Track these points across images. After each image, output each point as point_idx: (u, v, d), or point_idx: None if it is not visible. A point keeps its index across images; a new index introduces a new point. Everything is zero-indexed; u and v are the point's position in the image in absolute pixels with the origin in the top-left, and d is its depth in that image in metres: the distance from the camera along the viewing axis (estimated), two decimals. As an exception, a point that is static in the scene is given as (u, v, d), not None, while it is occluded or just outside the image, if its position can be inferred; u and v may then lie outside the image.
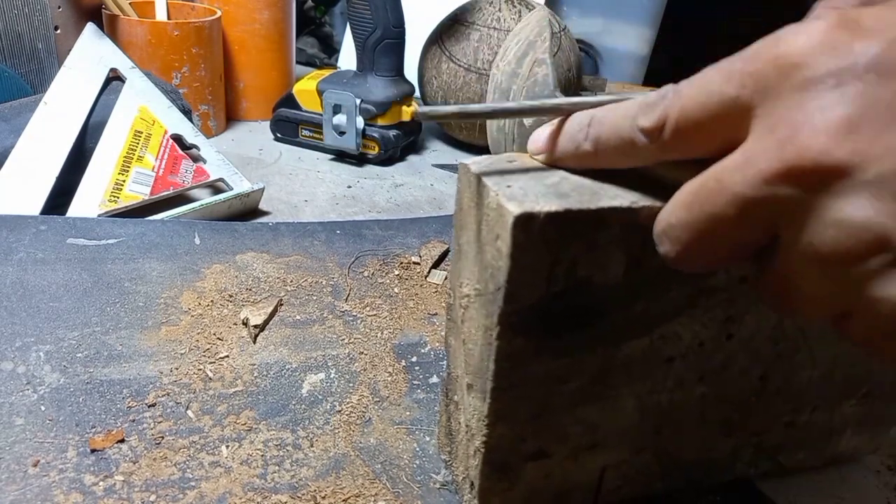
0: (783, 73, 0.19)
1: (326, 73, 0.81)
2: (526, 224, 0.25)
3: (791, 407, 0.36)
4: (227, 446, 0.36)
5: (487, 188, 0.27)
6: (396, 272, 0.54)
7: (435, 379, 0.43)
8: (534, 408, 0.30)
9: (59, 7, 0.75)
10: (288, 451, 0.36)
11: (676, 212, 0.23)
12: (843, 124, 0.18)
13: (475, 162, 0.29)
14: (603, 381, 0.31)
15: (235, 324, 0.45)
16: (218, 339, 0.43)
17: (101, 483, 0.33)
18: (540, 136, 0.29)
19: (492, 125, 0.32)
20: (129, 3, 0.76)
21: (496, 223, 0.26)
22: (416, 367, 0.44)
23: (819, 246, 0.19)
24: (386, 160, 0.79)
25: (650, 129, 0.23)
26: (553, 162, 0.28)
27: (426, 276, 0.54)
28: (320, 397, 0.40)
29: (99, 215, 0.54)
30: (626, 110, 0.24)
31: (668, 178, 0.29)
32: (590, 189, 0.27)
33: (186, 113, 0.65)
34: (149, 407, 0.38)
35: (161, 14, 0.80)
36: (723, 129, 0.21)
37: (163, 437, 0.36)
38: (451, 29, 0.81)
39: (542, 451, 0.32)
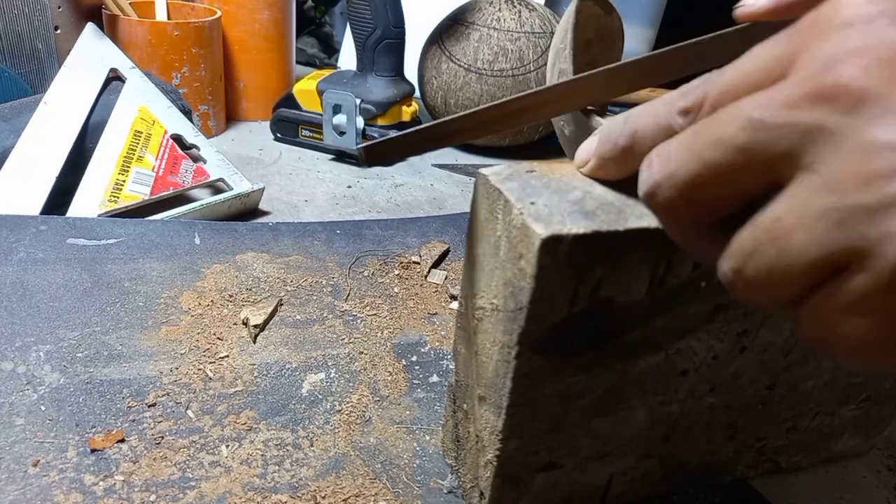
0: (823, 21, 0.19)
1: (326, 73, 0.81)
2: (553, 247, 0.24)
3: (794, 413, 0.36)
4: (227, 446, 0.36)
5: (511, 204, 0.26)
6: (396, 272, 0.54)
7: (435, 378, 0.43)
8: (547, 423, 0.30)
9: (59, 7, 0.75)
10: (288, 450, 0.36)
11: (682, 139, 0.21)
12: (876, 56, 0.17)
13: (494, 173, 0.28)
14: (616, 394, 0.31)
15: (235, 324, 0.45)
16: (218, 339, 0.43)
17: (101, 483, 0.33)
18: (583, 149, 0.28)
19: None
20: (129, 3, 0.76)
21: (519, 242, 0.26)
22: (416, 367, 0.44)
23: (836, 173, 0.17)
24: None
25: (689, 107, 0.21)
26: (594, 171, 0.27)
27: (426, 276, 0.54)
28: (320, 397, 0.40)
29: (99, 215, 0.54)
30: (665, 99, 0.23)
31: None
32: (616, 207, 0.26)
33: (186, 113, 0.65)
34: (149, 407, 0.38)
35: (161, 14, 0.80)
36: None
37: (163, 437, 0.36)
38: (451, 29, 0.81)
39: (553, 462, 0.32)
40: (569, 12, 0.42)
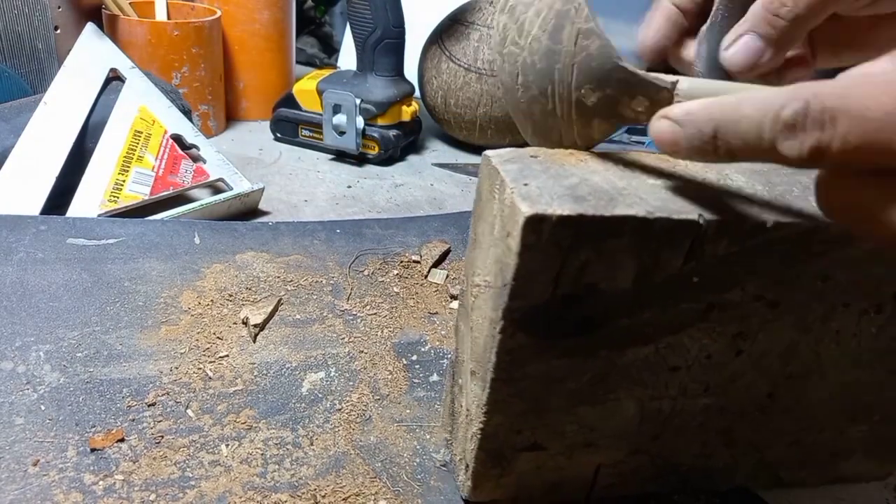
0: None
1: (326, 73, 0.81)
2: (537, 225, 0.25)
3: (798, 427, 0.36)
4: (227, 445, 0.36)
5: (505, 183, 0.27)
6: (396, 271, 0.54)
7: (435, 377, 0.43)
8: (531, 403, 0.31)
9: (59, 7, 0.76)
10: (288, 449, 0.36)
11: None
12: None
13: (497, 154, 0.29)
14: (603, 383, 0.31)
15: (235, 323, 0.45)
16: (218, 338, 0.43)
17: (100, 482, 0.33)
18: (668, 120, 0.25)
19: (533, 106, 0.29)
20: (129, 3, 0.76)
21: (509, 220, 0.26)
22: (417, 366, 0.44)
23: None
24: (386, 160, 0.79)
25: (801, 159, 0.20)
26: (679, 151, 0.25)
27: (426, 276, 0.54)
28: (320, 396, 0.40)
29: (99, 215, 0.54)
30: (767, 102, 0.21)
31: (696, 180, 0.29)
32: (608, 195, 0.26)
33: (186, 113, 0.65)
34: (149, 406, 0.38)
35: (161, 14, 0.80)
36: None
37: (163, 437, 0.36)
38: (451, 29, 0.81)
39: (537, 444, 0.33)
40: None
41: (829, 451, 0.37)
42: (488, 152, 0.30)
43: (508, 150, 0.30)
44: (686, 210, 0.26)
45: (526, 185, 0.26)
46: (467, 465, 0.33)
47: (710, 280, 0.27)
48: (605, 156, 0.30)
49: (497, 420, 0.31)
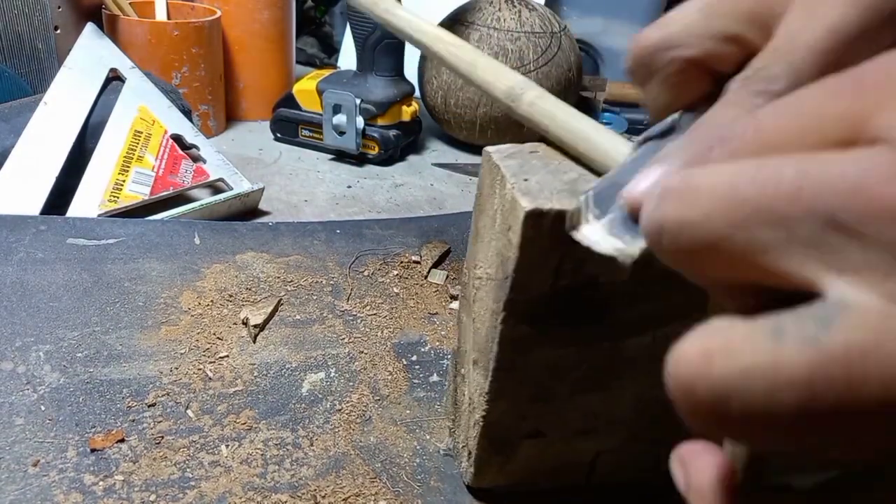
0: None
1: (326, 73, 0.81)
2: (536, 219, 0.26)
3: None
4: (227, 446, 0.36)
5: (505, 179, 0.27)
6: (396, 272, 0.54)
7: (435, 378, 0.43)
8: (533, 391, 0.31)
9: (59, 7, 0.75)
10: (288, 450, 0.36)
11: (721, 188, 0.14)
12: None
13: (497, 150, 0.30)
14: (604, 373, 0.31)
15: (235, 323, 0.45)
16: (218, 338, 0.43)
17: (100, 483, 0.33)
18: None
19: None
20: (129, 3, 0.76)
21: (510, 214, 0.27)
22: (416, 366, 0.44)
23: None
24: (386, 160, 0.79)
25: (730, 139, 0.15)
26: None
27: (426, 276, 0.54)
28: (320, 396, 0.40)
29: (99, 215, 0.54)
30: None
31: None
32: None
33: (186, 113, 0.65)
34: (149, 407, 0.38)
35: (161, 14, 0.80)
36: None
37: (163, 437, 0.36)
38: (451, 29, 0.81)
39: (539, 431, 0.33)
40: None
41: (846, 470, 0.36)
42: (489, 148, 0.30)
43: (509, 145, 0.30)
44: None
45: (526, 180, 0.27)
46: (470, 453, 0.34)
47: None
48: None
49: (499, 408, 0.32)
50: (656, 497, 0.36)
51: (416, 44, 0.38)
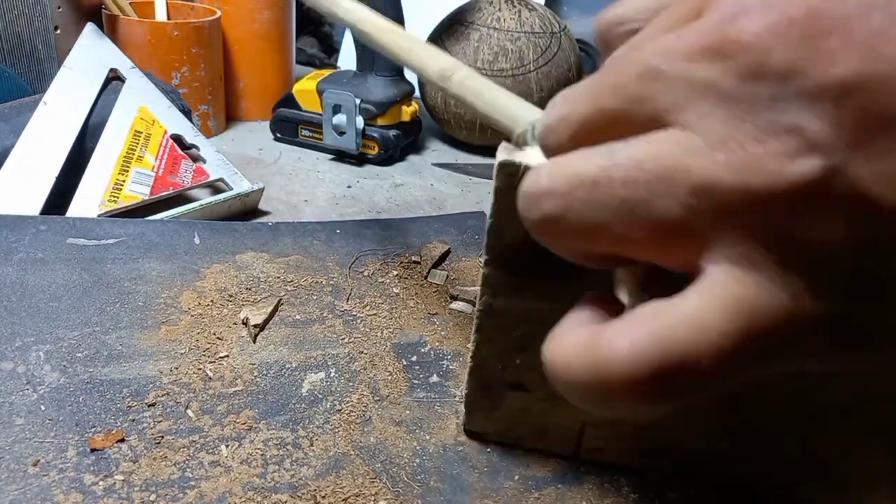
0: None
1: (326, 73, 0.81)
2: (508, 170, 0.28)
3: (803, 431, 0.35)
4: (227, 446, 0.36)
5: (503, 143, 0.29)
6: (396, 272, 0.54)
7: (435, 378, 0.43)
8: (513, 342, 0.34)
9: (59, 7, 0.75)
10: (288, 450, 0.36)
11: (587, 82, 0.19)
12: (786, 13, 0.15)
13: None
14: None
15: (235, 323, 0.45)
16: (218, 338, 0.43)
17: (100, 483, 0.33)
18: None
19: None
20: (129, 3, 0.76)
21: (496, 172, 0.30)
22: (417, 367, 0.44)
23: (715, 138, 0.15)
24: (386, 160, 0.79)
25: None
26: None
27: (426, 276, 0.54)
28: (320, 396, 0.40)
29: (99, 215, 0.54)
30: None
31: None
32: None
33: (186, 113, 0.65)
34: (149, 406, 0.38)
35: (161, 14, 0.80)
36: None
37: (163, 437, 0.36)
38: (451, 29, 0.81)
39: (522, 384, 0.36)
40: None
41: (842, 469, 0.36)
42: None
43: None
44: None
45: (524, 148, 0.30)
46: (464, 396, 0.38)
47: None
48: None
49: (484, 352, 0.35)
50: (648, 483, 0.36)
51: (360, 33, 0.40)
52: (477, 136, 0.84)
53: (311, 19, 1.21)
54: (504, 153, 0.28)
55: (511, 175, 0.28)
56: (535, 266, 0.31)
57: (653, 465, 0.38)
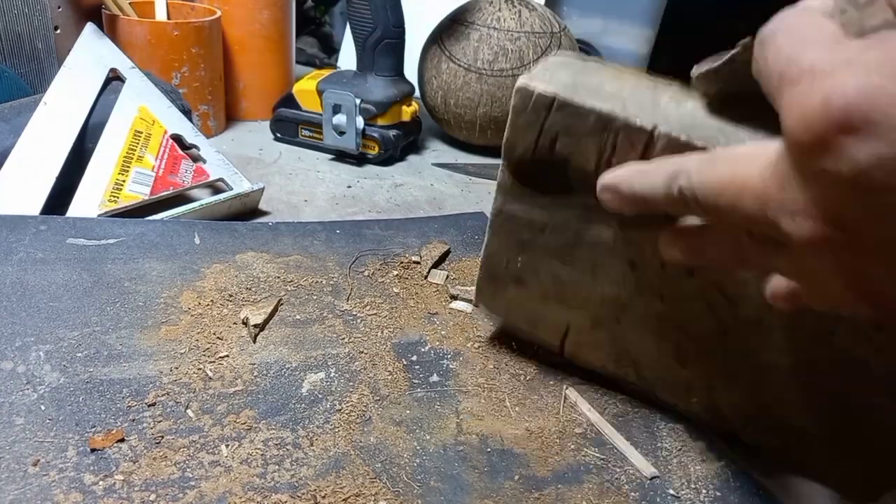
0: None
1: (326, 73, 0.81)
2: (523, 93, 0.34)
3: (753, 378, 0.37)
4: (227, 446, 0.36)
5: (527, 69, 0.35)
6: (396, 272, 0.54)
7: (435, 378, 0.43)
8: (516, 242, 0.41)
9: (59, 7, 0.75)
10: (288, 450, 0.36)
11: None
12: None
13: (563, 53, 0.40)
14: (572, 250, 0.39)
15: (235, 323, 0.45)
16: (218, 338, 0.43)
17: (100, 482, 0.33)
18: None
19: None
20: (129, 3, 0.76)
21: (516, 92, 0.35)
22: (417, 366, 0.44)
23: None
24: (386, 160, 0.79)
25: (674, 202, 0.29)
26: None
27: (426, 276, 0.54)
28: (320, 396, 0.40)
29: (99, 215, 0.54)
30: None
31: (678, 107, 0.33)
32: (595, 89, 0.34)
33: (186, 113, 0.65)
34: (149, 406, 0.38)
35: (161, 14, 0.80)
36: None
37: (163, 437, 0.36)
38: (451, 29, 0.81)
39: (521, 279, 0.42)
40: None
41: (786, 423, 0.38)
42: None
43: (569, 52, 0.42)
44: (647, 119, 0.31)
45: (547, 70, 0.36)
46: (477, 278, 0.45)
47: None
48: (639, 72, 0.37)
49: (494, 246, 0.42)
50: (648, 482, 0.37)
51: None
52: (477, 136, 0.84)
53: (311, 19, 1.21)
54: (522, 80, 0.34)
55: (526, 97, 0.34)
56: (540, 179, 0.37)
57: (620, 375, 0.42)
